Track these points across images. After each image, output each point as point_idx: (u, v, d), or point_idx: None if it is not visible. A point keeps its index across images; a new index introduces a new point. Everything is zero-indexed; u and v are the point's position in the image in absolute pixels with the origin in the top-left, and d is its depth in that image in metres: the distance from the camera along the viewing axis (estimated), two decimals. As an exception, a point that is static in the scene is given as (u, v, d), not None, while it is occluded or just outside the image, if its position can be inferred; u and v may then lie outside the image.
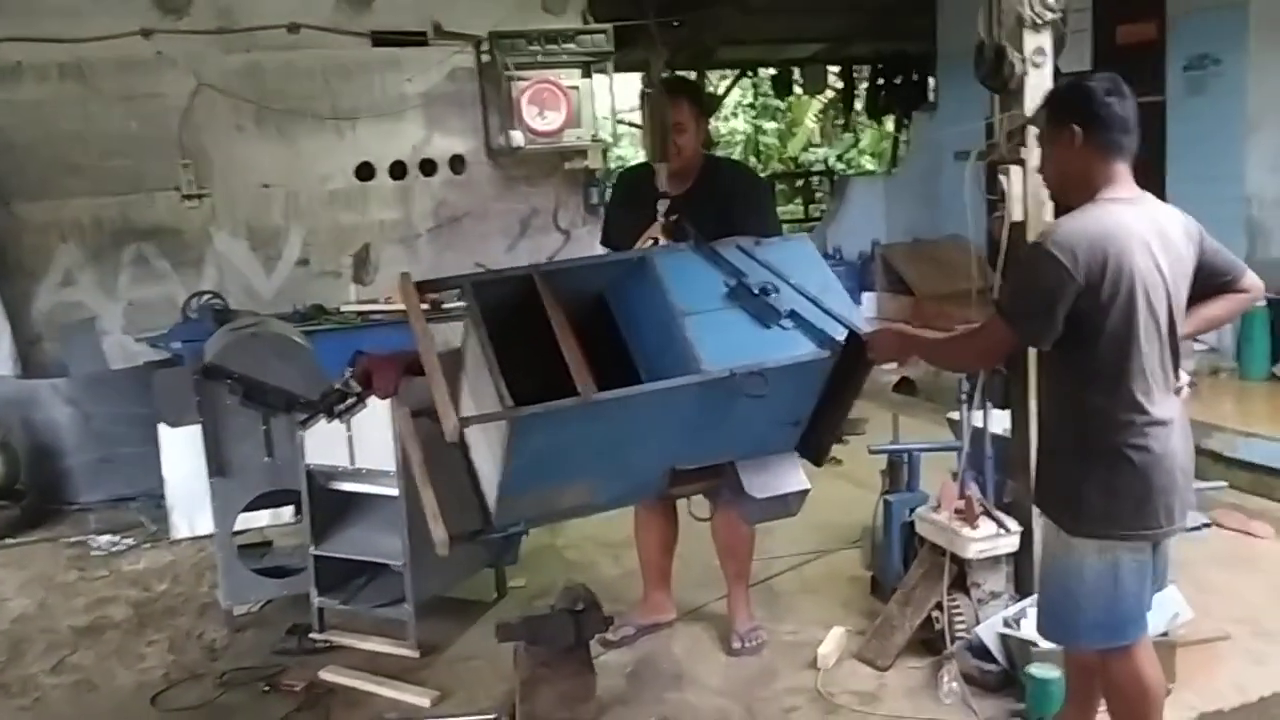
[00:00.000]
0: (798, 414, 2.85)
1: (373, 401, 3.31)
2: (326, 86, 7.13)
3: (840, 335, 2.78)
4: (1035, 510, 2.78)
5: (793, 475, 2.91)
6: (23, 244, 6.63)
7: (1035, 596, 3.04)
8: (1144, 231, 2.52)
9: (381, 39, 7.24)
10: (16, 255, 6.62)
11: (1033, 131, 3.28)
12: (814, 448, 2.99)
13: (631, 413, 2.66)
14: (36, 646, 4.23)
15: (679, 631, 4.00)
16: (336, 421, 3.58)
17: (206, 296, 6.32)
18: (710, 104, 14.57)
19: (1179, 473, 2.58)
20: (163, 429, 4.93)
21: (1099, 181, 2.55)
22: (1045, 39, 3.34)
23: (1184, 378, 2.68)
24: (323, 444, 3.91)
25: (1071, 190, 2.62)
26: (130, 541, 5.34)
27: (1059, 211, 3.19)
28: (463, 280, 2.87)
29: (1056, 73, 3.42)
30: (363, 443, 3.86)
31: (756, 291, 2.78)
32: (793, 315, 2.78)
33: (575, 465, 2.72)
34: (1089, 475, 2.56)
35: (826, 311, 2.80)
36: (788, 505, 2.91)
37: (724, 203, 3.57)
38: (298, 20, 6.90)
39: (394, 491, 3.85)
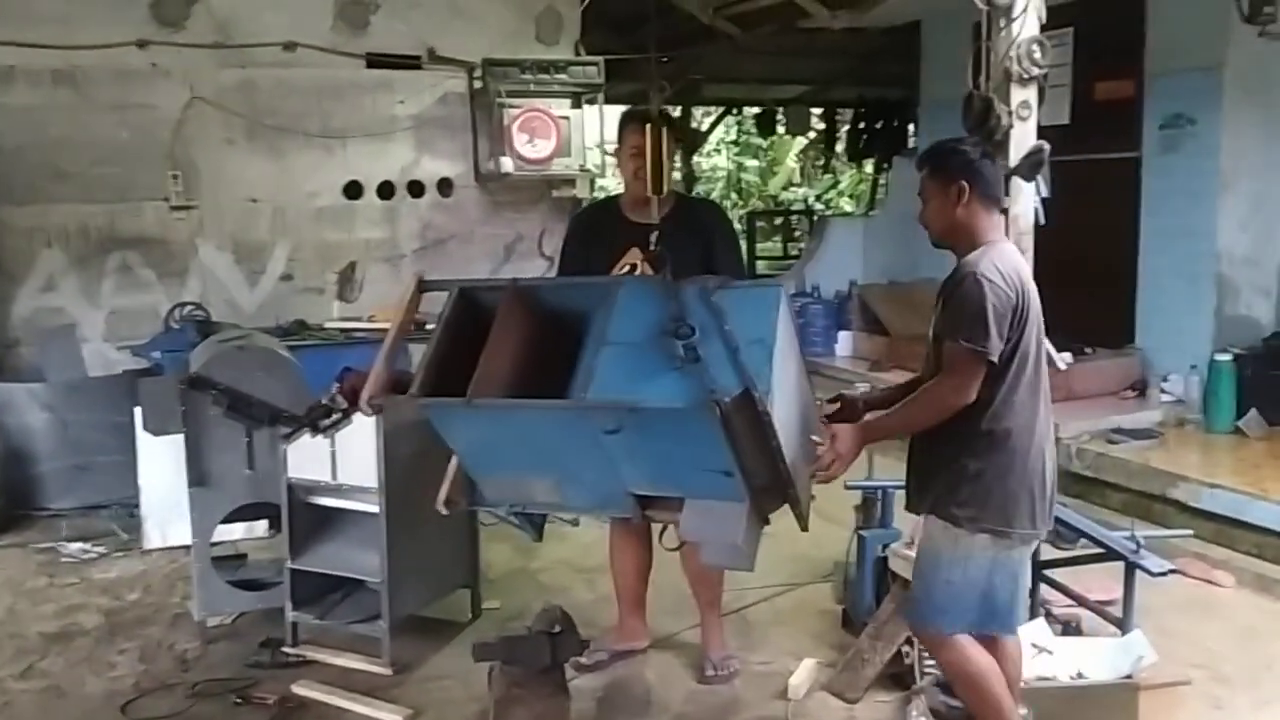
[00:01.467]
0: (719, 464, 2.63)
1: (357, 417, 3.36)
2: (319, 105, 7.17)
3: (731, 393, 2.53)
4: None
5: (726, 526, 2.71)
6: (5, 247, 6.59)
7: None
8: (1027, 268, 2.97)
9: (376, 61, 7.31)
10: (-1, 258, 6.60)
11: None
12: (795, 510, 2.92)
13: (530, 424, 2.78)
14: (5, 652, 4.20)
15: (652, 658, 4.04)
16: (320, 436, 3.64)
17: (189, 308, 6.33)
18: (694, 139, 14.75)
19: (1052, 483, 2.96)
20: (142, 437, 4.91)
21: (983, 228, 2.91)
22: (1031, 93, 3.47)
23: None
24: (305, 458, 3.93)
25: (958, 237, 2.93)
26: (102, 550, 5.32)
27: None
28: (450, 284, 3.02)
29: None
30: (345, 458, 3.88)
31: (673, 333, 2.61)
32: (697, 362, 2.57)
33: (514, 460, 2.89)
34: (986, 480, 2.86)
35: (738, 366, 2.58)
36: (734, 555, 2.77)
37: (704, 238, 3.68)
38: (294, 39, 6.96)
39: (374, 508, 3.88)
